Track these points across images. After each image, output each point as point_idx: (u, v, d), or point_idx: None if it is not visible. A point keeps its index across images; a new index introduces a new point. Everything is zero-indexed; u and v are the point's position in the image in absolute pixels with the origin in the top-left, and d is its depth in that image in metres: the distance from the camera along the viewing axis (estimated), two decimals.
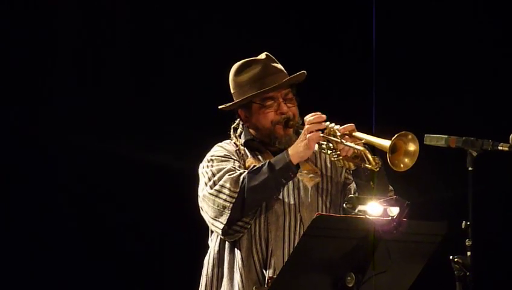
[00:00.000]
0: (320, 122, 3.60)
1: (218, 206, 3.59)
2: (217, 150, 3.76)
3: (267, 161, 3.62)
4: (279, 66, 3.80)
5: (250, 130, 3.81)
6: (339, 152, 3.59)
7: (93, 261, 5.67)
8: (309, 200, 3.70)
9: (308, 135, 3.58)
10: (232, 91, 3.82)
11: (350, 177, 3.75)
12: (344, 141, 3.55)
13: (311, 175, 3.75)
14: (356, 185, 3.68)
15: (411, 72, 5.75)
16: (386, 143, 3.43)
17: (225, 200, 3.57)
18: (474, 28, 5.77)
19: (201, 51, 5.72)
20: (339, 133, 3.57)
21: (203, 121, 5.41)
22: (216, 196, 3.60)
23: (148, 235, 5.73)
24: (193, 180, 3.88)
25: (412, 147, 3.45)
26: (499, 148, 3.37)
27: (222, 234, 3.62)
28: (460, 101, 5.74)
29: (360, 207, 3.23)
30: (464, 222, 3.25)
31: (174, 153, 5.57)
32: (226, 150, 3.76)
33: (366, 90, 5.42)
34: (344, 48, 5.85)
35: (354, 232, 3.16)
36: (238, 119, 3.85)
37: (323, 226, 3.14)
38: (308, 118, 3.63)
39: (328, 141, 3.60)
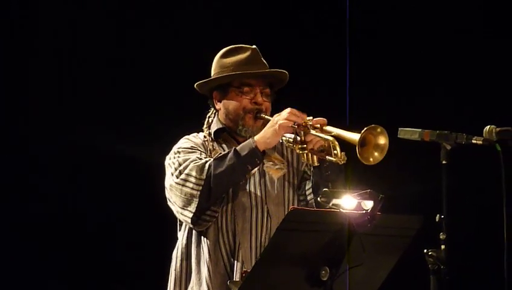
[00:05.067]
0: (296, 115, 3.61)
1: (185, 195, 3.59)
2: (184, 142, 3.78)
3: (233, 147, 3.63)
4: (265, 62, 3.84)
5: (220, 118, 3.83)
6: (305, 145, 3.60)
7: (61, 254, 5.66)
8: (275, 192, 3.73)
9: (280, 122, 3.58)
10: (212, 72, 3.85)
11: (308, 172, 3.78)
12: (314, 132, 3.57)
13: (277, 166, 3.79)
14: (314, 183, 3.70)
15: (384, 67, 5.77)
16: (355, 136, 3.45)
17: (192, 188, 3.58)
18: (448, 21, 5.80)
19: (173, 39, 5.73)
20: (310, 123, 3.59)
21: (172, 112, 5.49)
22: (183, 185, 3.60)
23: (115, 228, 5.72)
24: (161, 172, 3.87)
25: (382, 140, 3.47)
26: (473, 141, 3.38)
27: (191, 223, 3.62)
28: (435, 95, 5.78)
29: (335, 201, 3.22)
30: (438, 215, 3.25)
31: (144, 144, 5.55)
32: (193, 142, 3.78)
33: (339, 84, 5.45)
34: (317, 41, 5.86)
35: (328, 226, 3.16)
36: (212, 109, 3.86)
37: (298, 220, 3.14)
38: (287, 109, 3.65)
39: (297, 133, 3.62)
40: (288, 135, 3.66)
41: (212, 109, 3.87)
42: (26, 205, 5.62)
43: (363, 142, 3.44)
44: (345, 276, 3.20)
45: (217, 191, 3.58)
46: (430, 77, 5.78)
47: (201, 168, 3.58)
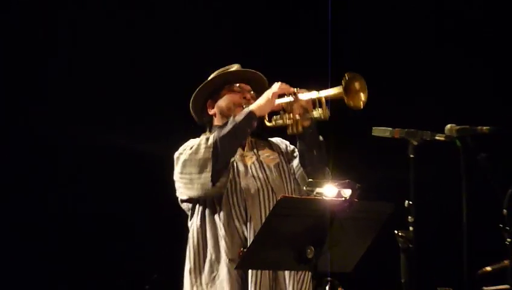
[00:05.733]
0: (286, 87, 4.00)
1: (199, 160, 3.91)
2: (190, 142, 4.10)
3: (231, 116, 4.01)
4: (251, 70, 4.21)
5: (217, 122, 4.17)
6: (291, 114, 3.98)
7: (61, 254, 5.70)
8: (274, 175, 4.10)
9: (274, 90, 3.98)
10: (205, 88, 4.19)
11: (294, 152, 4.15)
12: (302, 94, 3.95)
13: (271, 157, 4.17)
14: (300, 153, 4.06)
15: (364, 69, 5.96)
16: (339, 88, 3.81)
17: (204, 153, 3.91)
18: (424, 24, 5.92)
19: (173, 39, 5.76)
20: (295, 89, 3.98)
21: (172, 111, 5.41)
22: (195, 154, 3.93)
23: (115, 228, 5.76)
24: (161, 171, 4.10)
25: (359, 83, 3.84)
26: (436, 138, 3.65)
27: (212, 181, 3.89)
28: (407, 97, 5.90)
29: (318, 189, 3.51)
30: (406, 201, 3.50)
31: (144, 144, 5.62)
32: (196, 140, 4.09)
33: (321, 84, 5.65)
34: (299, 42, 5.95)
35: (313, 212, 3.42)
36: (207, 129, 4.19)
37: (287, 206, 3.42)
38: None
39: (284, 107, 3.99)
40: (277, 118, 4.04)
41: (208, 129, 4.19)
42: (26, 205, 5.61)
43: (346, 90, 3.80)
44: (327, 254, 3.46)
45: (224, 153, 3.90)
46: (423, 79, 5.86)
47: (207, 138, 3.94)
